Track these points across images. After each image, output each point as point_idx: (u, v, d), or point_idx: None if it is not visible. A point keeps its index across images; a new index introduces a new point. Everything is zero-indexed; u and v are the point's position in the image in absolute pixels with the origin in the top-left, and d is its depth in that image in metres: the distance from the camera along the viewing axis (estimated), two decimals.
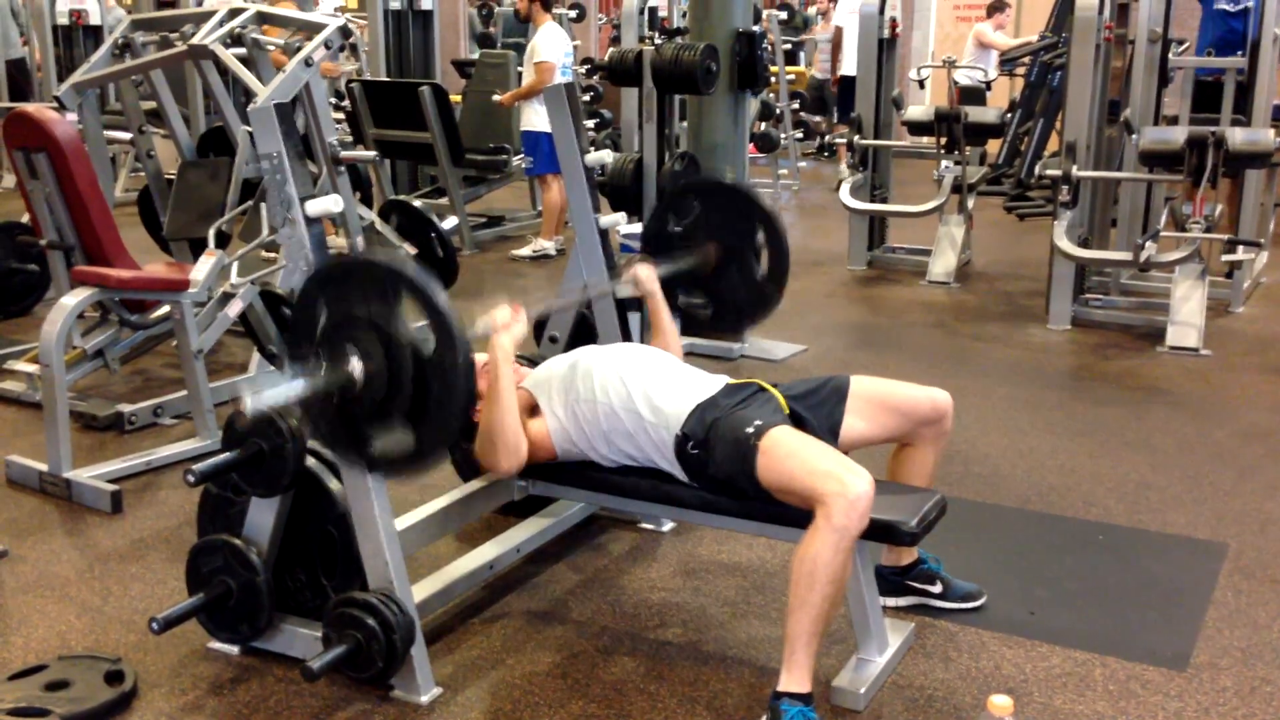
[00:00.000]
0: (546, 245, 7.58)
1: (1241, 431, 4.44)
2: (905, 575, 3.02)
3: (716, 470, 2.62)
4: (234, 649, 2.79)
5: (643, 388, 2.72)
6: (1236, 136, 5.34)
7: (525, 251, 7.61)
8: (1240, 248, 5.89)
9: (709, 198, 3.46)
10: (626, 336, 3.45)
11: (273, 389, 2.24)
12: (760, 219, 3.39)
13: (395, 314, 2.27)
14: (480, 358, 2.65)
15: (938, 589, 3.02)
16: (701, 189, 3.56)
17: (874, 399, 2.83)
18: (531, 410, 2.84)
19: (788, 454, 2.52)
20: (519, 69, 9.28)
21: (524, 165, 7.56)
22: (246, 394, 2.16)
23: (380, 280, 2.28)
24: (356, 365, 2.28)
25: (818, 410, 2.78)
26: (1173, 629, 2.96)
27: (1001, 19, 10.76)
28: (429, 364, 2.25)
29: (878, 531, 2.55)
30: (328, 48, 3.91)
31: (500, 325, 2.68)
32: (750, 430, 2.57)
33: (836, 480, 2.40)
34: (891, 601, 3.00)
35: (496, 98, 7.82)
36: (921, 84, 10.89)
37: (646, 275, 3.23)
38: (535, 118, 7.36)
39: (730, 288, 3.46)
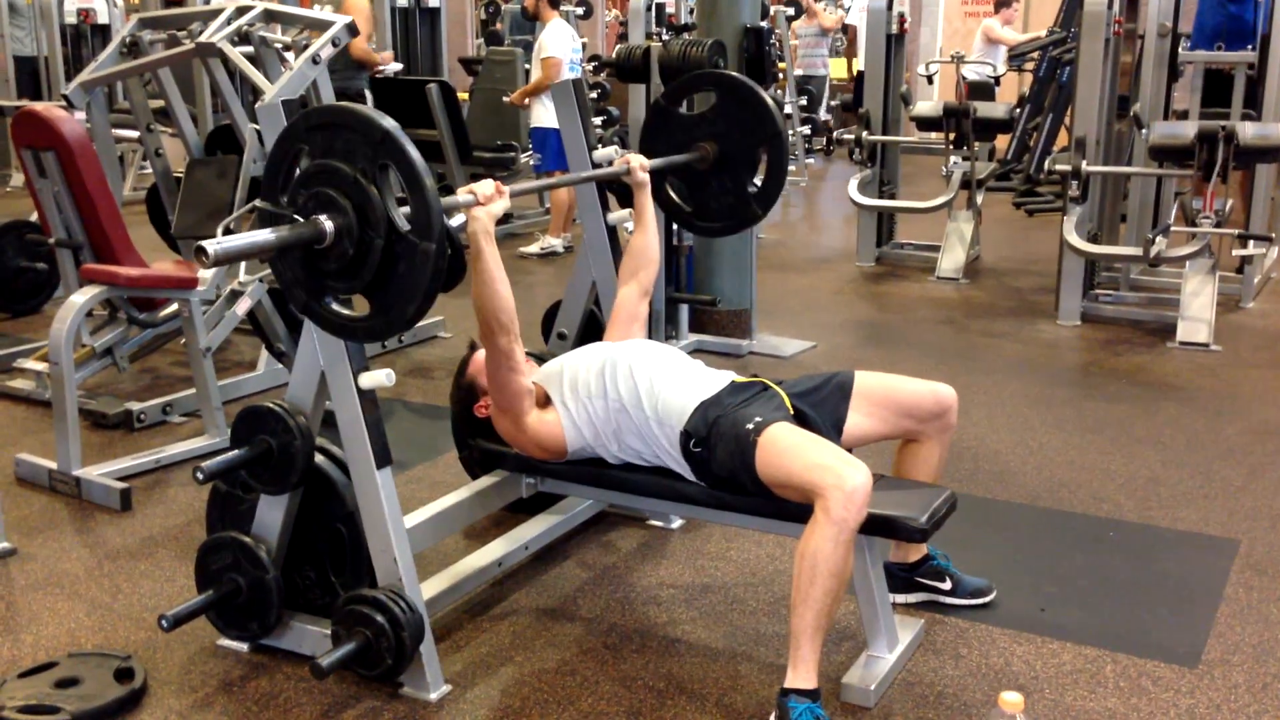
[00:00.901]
0: (554, 243, 7.59)
1: (1252, 427, 4.42)
2: (914, 572, 3.01)
3: (719, 467, 2.61)
4: (243, 646, 2.79)
5: (650, 385, 2.72)
6: (1247, 131, 5.32)
7: (534, 249, 7.61)
8: (1251, 242, 5.87)
9: (723, 93, 3.42)
10: (616, 257, 3.42)
11: (240, 238, 2.16)
12: (768, 133, 3.35)
13: (379, 179, 2.18)
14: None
15: (947, 585, 3.01)
16: (721, 82, 3.50)
17: (878, 395, 2.83)
18: (544, 405, 2.83)
19: (785, 449, 2.52)
20: (526, 66, 9.29)
21: (532, 162, 7.57)
22: (210, 244, 2.05)
23: (372, 142, 2.19)
24: (327, 223, 2.20)
25: (821, 407, 2.78)
26: (1184, 625, 2.95)
27: (1009, 14, 10.75)
28: (402, 242, 2.17)
29: (887, 528, 2.55)
30: (335, 45, 3.92)
31: (482, 198, 2.62)
32: (750, 426, 2.57)
33: (833, 473, 2.40)
34: (901, 598, 3.00)
35: (507, 99, 7.80)
36: (930, 79, 10.90)
37: (639, 164, 3.21)
38: (544, 114, 7.37)
39: (719, 192, 3.43)
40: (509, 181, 8.55)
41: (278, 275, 2.37)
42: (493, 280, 2.62)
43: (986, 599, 3.02)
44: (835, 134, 11.37)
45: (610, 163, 3.38)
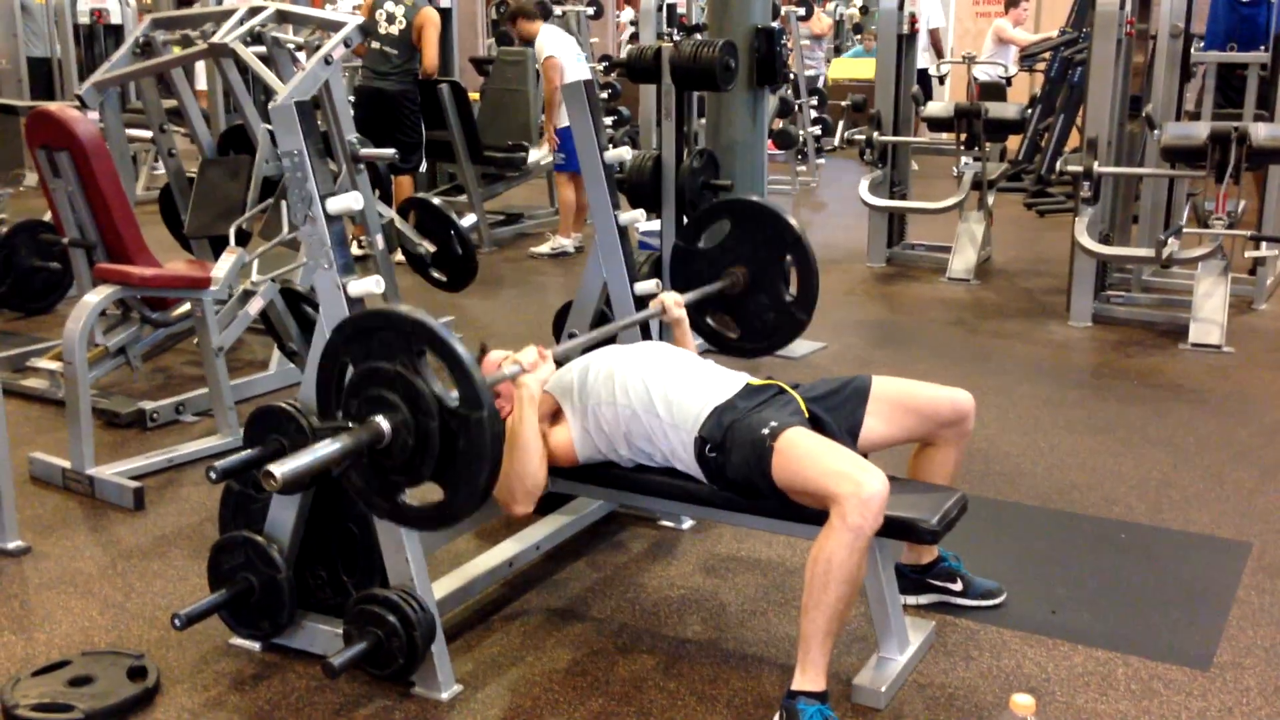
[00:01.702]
0: (565, 243, 7.59)
1: (1265, 429, 4.41)
2: (926, 573, 3.01)
3: (734, 473, 2.61)
4: (256, 645, 2.80)
5: (663, 390, 2.72)
6: (1260, 132, 5.29)
7: (544, 249, 7.61)
8: (1264, 244, 5.84)
9: (737, 218, 3.48)
10: (646, 334, 3.45)
11: (303, 455, 2.20)
12: (788, 242, 3.41)
13: (419, 367, 2.23)
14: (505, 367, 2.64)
15: (958, 587, 3.01)
16: (731, 209, 3.57)
17: (894, 400, 2.82)
18: (554, 416, 2.84)
19: (802, 455, 2.52)
20: (536, 67, 9.29)
21: (557, 160, 7.51)
22: (276, 467, 2.11)
23: (399, 333, 2.25)
24: (384, 423, 2.25)
25: (837, 411, 2.77)
26: (1196, 628, 2.94)
27: (1019, 14, 10.70)
28: (456, 420, 2.21)
29: (899, 529, 2.55)
30: (347, 45, 3.93)
31: (527, 366, 2.65)
32: (766, 431, 2.56)
33: (850, 480, 2.40)
34: (912, 600, 3.00)
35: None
36: (941, 80, 10.87)
37: (673, 303, 3.23)
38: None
39: (758, 310, 3.49)
40: (517, 182, 8.53)
41: (358, 495, 2.40)
42: (528, 448, 2.62)
43: (997, 601, 3.02)
44: (846, 135, 11.35)
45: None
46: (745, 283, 3.48)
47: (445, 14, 8.39)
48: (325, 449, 2.21)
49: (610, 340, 3.30)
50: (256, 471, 2.63)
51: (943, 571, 3.01)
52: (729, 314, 3.55)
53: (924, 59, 10.32)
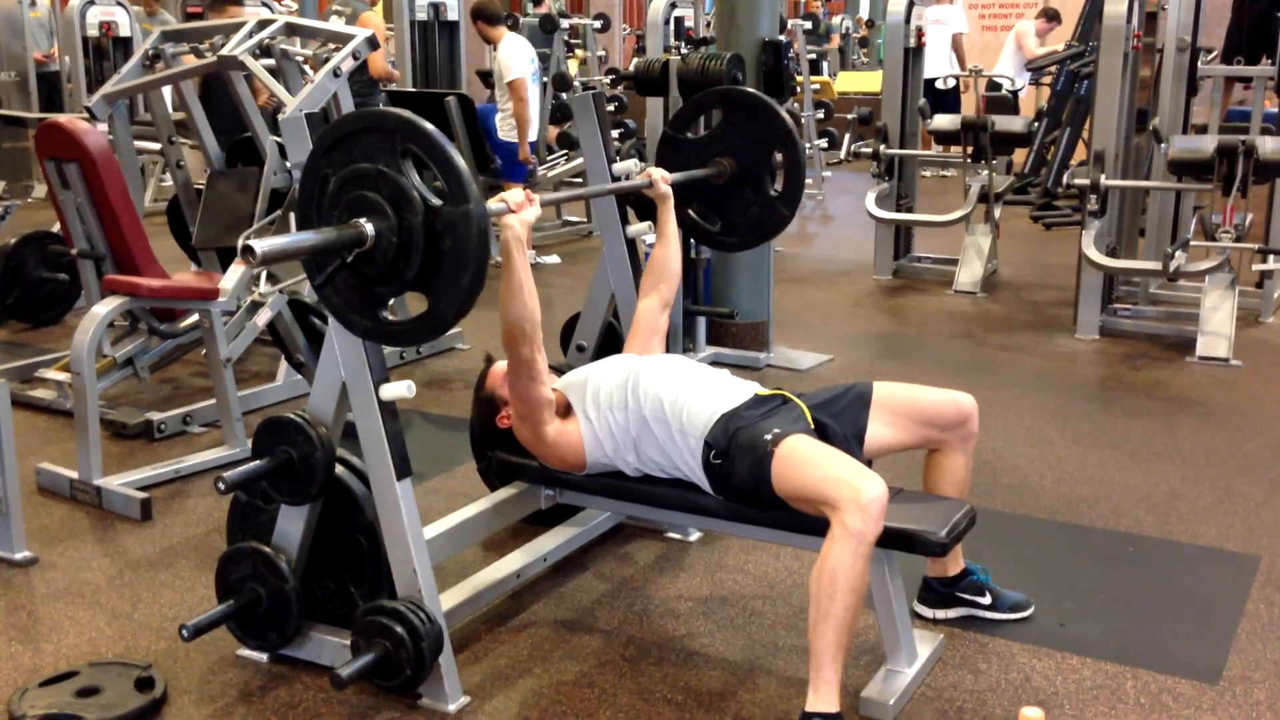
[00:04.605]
0: (530, 255, 7.55)
1: (1273, 442, 4.40)
2: (954, 586, 3.00)
3: (738, 479, 2.61)
4: (263, 656, 2.80)
5: (673, 397, 2.72)
6: (1267, 145, 5.30)
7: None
8: (1271, 257, 5.84)
9: (730, 108, 3.43)
10: (637, 271, 3.43)
11: (283, 237, 2.16)
12: (779, 136, 3.36)
13: (402, 168, 2.20)
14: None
15: (987, 600, 3.00)
16: (726, 99, 3.52)
17: (897, 405, 2.82)
18: (565, 415, 2.84)
19: (801, 461, 2.52)
20: (544, 79, 9.31)
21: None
22: (254, 241, 2.05)
23: (388, 133, 2.21)
24: (366, 224, 2.21)
25: (841, 418, 2.77)
26: (1205, 642, 2.93)
27: (1044, 25, 10.63)
28: (440, 217, 2.17)
29: (907, 542, 2.54)
30: (356, 58, 3.95)
31: (514, 205, 2.63)
32: (768, 438, 2.57)
33: (849, 486, 2.40)
34: (941, 614, 2.99)
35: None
36: (946, 94, 10.86)
37: (661, 176, 3.22)
38: (505, 128, 7.43)
39: (742, 203, 3.43)
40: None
41: (331, 309, 2.38)
42: (520, 289, 2.61)
43: (1025, 613, 3.01)
44: (853, 148, 11.37)
45: (630, 177, 3.40)
46: (731, 173, 3.41)
47: (453, 27, 8.44)
48: (308, 235, 2.18)
49: (615, 342, 3.28)
50: (266, 481, 2.66)
51: (971, 585, 3.00)
52: (713, 205, 3.48)
53: (946, 66, 10.34)
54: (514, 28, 9.92)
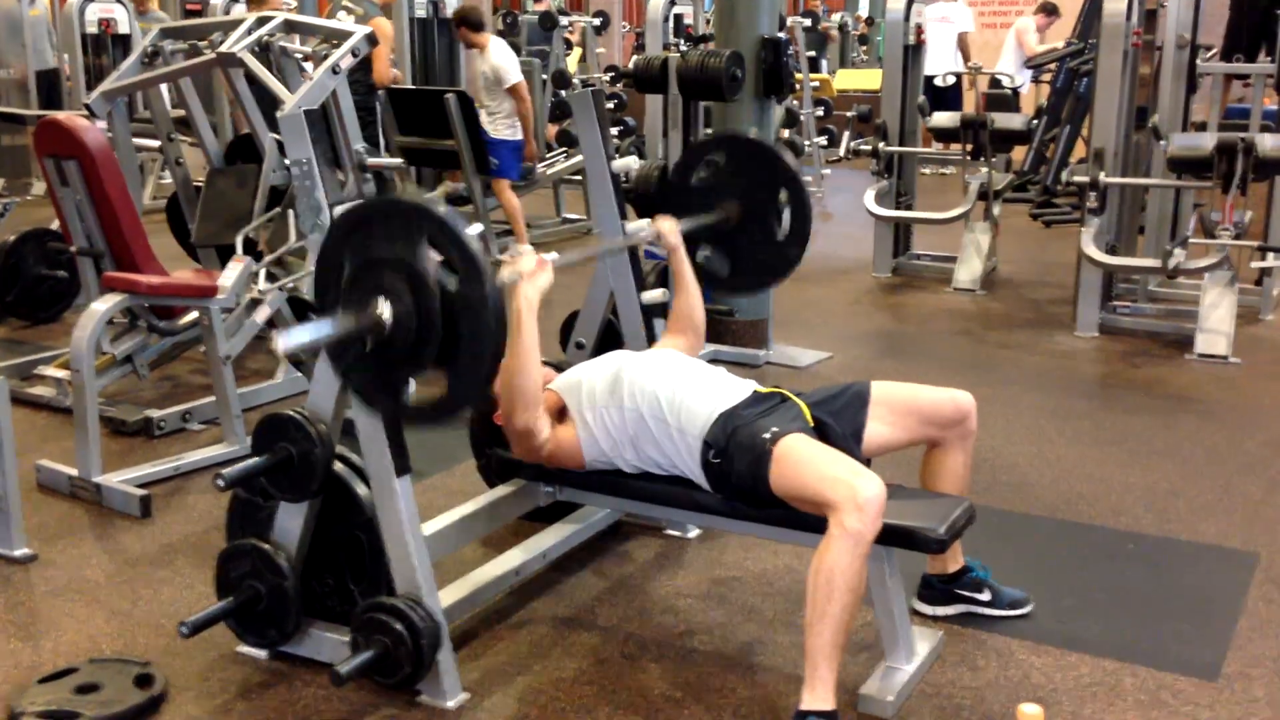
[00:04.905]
0: (529, 250, 7.60)
1: (1272, 440, 4.40)
2: (953, 583, 3.00)
3: (736, 478, 2.61)
4: (262, 653, 2.80)
5: (670, 395, 2.72)
6: (1266, 142, 5.30)
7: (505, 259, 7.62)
8: (1270, 254, 5.84)
9: (733, 153, 3.44)
10: (651, 337, 3.44)
11: (303, 329, 2.19)
12: (783, 178, 3.37)
13: (419, 252, 2.22)
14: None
15: (986, 597, 3.00)
16: (726, 144, 3.53)
17: (896, 403, 2.82)
18: (561, 415, 2.84)
19: (799, 461, 2.52)
20: (544, 77, 9.31)
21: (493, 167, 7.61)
22: (278, 336, 2.10)
23: (402, 219, 2.24)
24: (385, 307, 2.23)
25: (840, 416, 2.77)
26: (1203, 639, 2.93)
27: (1044, 20, 10.62)
28: (457, 300, 2.20)
29: (905, 539, 2.54)
30: (355, 56, 3.94)
31: (525, 274, 2.64)
32: (766, 437, 2.56)
33: (846, 485, 2.40)
34: (941, 610, 2.99)
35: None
36: (945, 91, 10.84)
37: (669, 229, 3.21)
38: (502, 128, 7.54)
39: (751, 246, 3.44)
40: (523, 193, 8.56)
41: (355, 392, 2.42)
42: (527, 358, 2.62)
43: (1025, 610, 3.01)
44: (852, 145, 11.37)
45: (629, 176, 3.40)
46: (738, 218, 3.42)
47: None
48: (329, 325, 2.21)
49: (616, 340, 3.28)
50: (265, 478, 2.66)
51: (970, 582, 3.00)
52: (721, 250, 3.50)
53: (951, 64, 10.33)
54: (512, 25, 9.94)
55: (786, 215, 3.38)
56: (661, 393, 2.72)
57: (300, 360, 4.28)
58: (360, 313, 2.25)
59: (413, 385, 2.41)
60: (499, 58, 7.49)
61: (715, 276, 3.50)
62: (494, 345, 2.22)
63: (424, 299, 2.22)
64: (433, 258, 2.23)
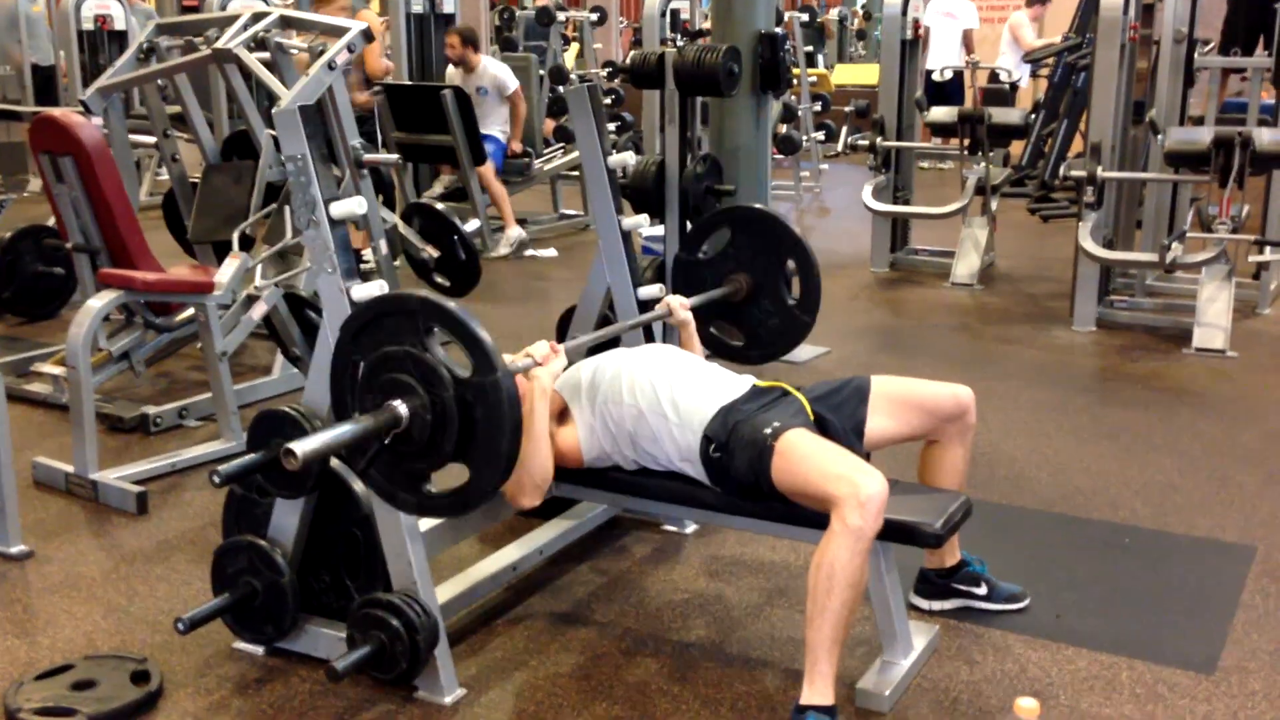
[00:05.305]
0: (517, 232, 7.81)
1: (1269, 433, 4.40)
2: (950, 578, 3.00)
3: (737, 473, 2.61)
4: (259, 649, 2.80)
5: (669, 391, 2.72)
6: (1263, 136, 5.29)
7: (504, 250, 7.72)
8: (1267, 248, 5.84)
9: (737, 226, 3.48)
10: (650, 338, 3.44)
11: (319, 436, 2.21)
12: (789, 245, 3.41)
13: (428, 345, 2.26)
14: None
15: (982, 591, 3.00)
16: (730, 217, 3.58)
17: (896, 397, 2.82)
18: (561, 415, 2.84)
19: (802, 456, 2.51)
20: (541, 72, 9.30)
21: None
22: (295, 444, 2.13)
23: (410, 314, 2.28)
24: (400, 405, 2.26)
25: (840, 410, 2.77)
26: (1200, 632, 2.94)
27: (1039, 10, 10.59)
28: (470, 389, 2.23)
29: (902, 533, 2.54)
30: (351, 51, 3.93)
31: (539, 359, 2.67)
32: (768, 431, 2.56)
33: (849, 482, 2.40)
34: (937, 605, 2.99)
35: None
36: (942, 86, 10.83)
37: (679, 304, 3.24)
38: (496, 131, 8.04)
39: (762, 316, 3.50)
40: (520, 188, 8.54)
41: (376, 490, 2.42)
42: (538, 440, 2.64)
43: (1021, 604, 3.01)
44: (849, 140, 11.36)
45: (626, 172, 3.41)
46: (748, 289, 3.49)
47: (449, 20, 8.42)
48: (344, 429, 2.23)
49: (616, 342, 3.31)
50: (261, 475, 2.66)
51: (967, 576, 3.00)
52: (733, 321, 3.56)
53: (956, 60, 10.31)
54: (509, 20, 9.99)
55: (795, 283, 3.42)
56: (660, 388, 2.72)
57: (297, 356, 4.28)
58: (376, 411, 2.27)
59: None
60: (497, 69, 8.05)
61: (730, 347, 3.55)
62: (512, 427, 2.24)
63: (438, 391, 2.24)
64: (439, 350, 2.27)
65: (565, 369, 2.78)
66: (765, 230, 3.47)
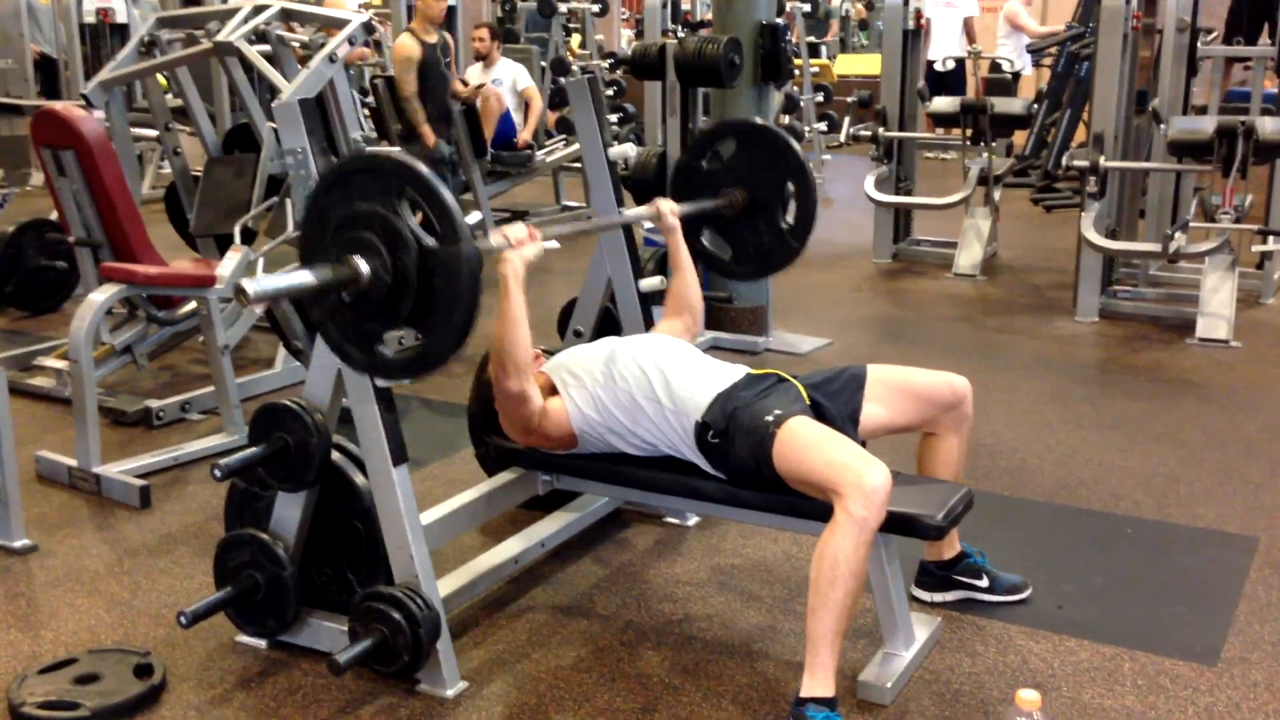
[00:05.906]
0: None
1: (1272, 424, 4.40)
2: (951, 570, 3.00)
3: (737, 460, 2.61)
4: (262, 643, 2.80)
5: (663, 377, 2.72)
6: (1266, 126, 5.28)
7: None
8: (1271, 238, 5.83)
9: (743, 140, 3.43)
10: (649, 324, 3.44)
11: (278, 277, 2.21)
12: (792, 169, 3.36)
13: (398, 209, 2.24)
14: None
15: (984, 583, 3.00)
16: (737, 130, 3.53)
17: (892, 385, 2.82)
18: (550, 395, 2.83)
19: (806, 445, 2.51)
20: (542, 64, 9.30)
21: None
22: (249, 281, 2.10)
23: (383, 176, 2.26)
24: (362, 263, 2.25)
25: (836, 398, 2.77)
26: (1203, 623, 2.93)
27: None
28: (433, 257, 2.21)
29: (904, 525, 2.54)
30: (351, 44, 3.93)
31: (514, 242, 2.62)
32: (770, 419, 2.56)
33: (853, 472, 2.39)
34: (939, 596, 2.99)
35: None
36: (944, 76, 10.81)
37: (669, 209, 3.20)
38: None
39: (753, 234, 3.43)
40: (523, 180, 8.57)
41: (329, 343, 2.43)
42: (515, 324, 2.61)
43: (1023, 595, 3.01)
44: (853, 131, 11.33)
45: (628, 163, 3.40)
46: (743, 204, 3.41)
47: (450, 14, 8.41)
48: (301, 276, 2.23)
49: (614, 330, 3.29)
50: (262, 468, 2.66)
51: (968, 568, 3.00)
52: (723, 234, 3.50)
53: (957, 49, 10.29)
54: (511, 11, 10.01)
55: (792, 206, 3.38)
56: (652, 374, 2.72)
57: (299, 349, 4.28)
58: (337, 265, 2.26)
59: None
60: (510, 69, 8.21)
61: (714, 259, 3.49)
62: (469, 301, 2.22)
63: (401, 254, 2.23)
64: (408, 214, 2.25)
65: (539, 256, 2.68)
66: (770, 149, 3.39)
